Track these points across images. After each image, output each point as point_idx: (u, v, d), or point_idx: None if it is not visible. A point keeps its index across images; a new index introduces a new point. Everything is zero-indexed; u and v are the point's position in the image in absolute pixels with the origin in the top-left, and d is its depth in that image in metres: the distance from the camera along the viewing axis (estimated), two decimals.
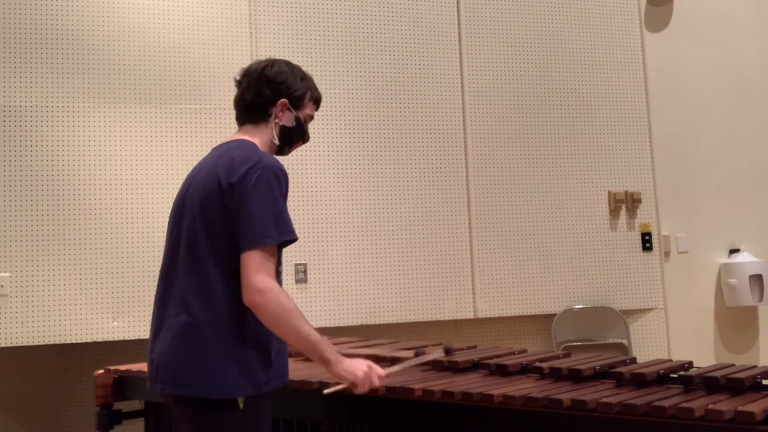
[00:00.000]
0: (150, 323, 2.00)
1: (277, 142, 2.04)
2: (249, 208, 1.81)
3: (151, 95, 3.83)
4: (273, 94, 2.01)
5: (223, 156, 1.91)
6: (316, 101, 2.12)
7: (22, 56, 3.70)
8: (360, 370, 1.88)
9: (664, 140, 4.56)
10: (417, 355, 2.21)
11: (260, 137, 2.01)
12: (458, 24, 4.25)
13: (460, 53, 4.24)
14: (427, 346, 2.46)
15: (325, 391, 1.96)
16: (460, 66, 4.22)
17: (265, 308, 1.78)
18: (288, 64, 2.07)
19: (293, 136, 2.07)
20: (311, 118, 2.11)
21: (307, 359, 2.67)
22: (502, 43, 4.30)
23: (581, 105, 4.35)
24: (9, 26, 3.70)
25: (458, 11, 4.26)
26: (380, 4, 4.15)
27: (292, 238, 1.86)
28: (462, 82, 4.22)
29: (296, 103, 2.05)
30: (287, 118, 2.04)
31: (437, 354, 2.23)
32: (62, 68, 3.74)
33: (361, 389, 1.89)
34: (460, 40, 4.24)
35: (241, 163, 1.86)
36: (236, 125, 2.08)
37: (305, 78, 2.08)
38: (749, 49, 4.82)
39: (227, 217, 1.83)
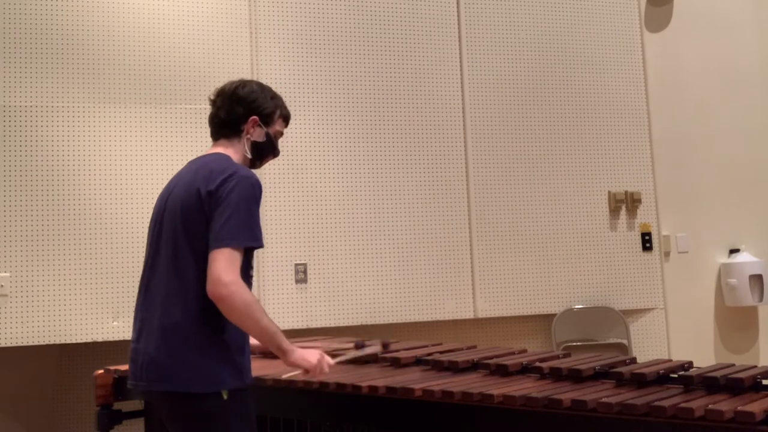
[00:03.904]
0: (132, 326, 2.11)
1: (249, 155, 2.19)
2: (221, 212, 1.95)
3: (151, 95, 3.83)
4: (245, 111, 2.17)
5: (201, 168, 2.06)
6: (285, 118, 2.27)
7: (22, 56, 3.70)
8: (313, 358, 2.05)
9: (664, 140, 4.56)
10: (357, 347, 2.39)
11: (234, 151, 2.16)
12: (458, 24, 4.25)
13: (460, 53, 4.23)
14: (366, 341, 2.55)
15: (283, 376, 2.14)
16: (460, 66, 4.22)
17: (230, 300, 1.89)
18: (258, 84, 2.23)
19: (264, 151, 2.22)
20: (281, 134, 2.26)
21: None
22: (502, 43, 4.30)
23: (581, 105, 4.35)
24: (9, 26, 3.70)
25: (458, 11, 4.26)
26: (380, 4, 4.15)
27: (255, 245, 1.99)
28: (462, 82, 4.22)
29: (266, 120, 2.20)
30: (258, 134, 2.19)
31: (375, 349, 2.40)
32: (62, 68, 3.74)
33: (313, 376, 2.07)
34: (460, 40, 4.24)
35: (219, 173, 2.01)
36: (212, 141, 2.23)
37: (275, 97, 2.24)
38: (749, 49, 4.82)
39: (206, 224, 1.97)
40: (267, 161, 2.26)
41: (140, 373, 2.00)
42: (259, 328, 1.94)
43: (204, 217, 1.98)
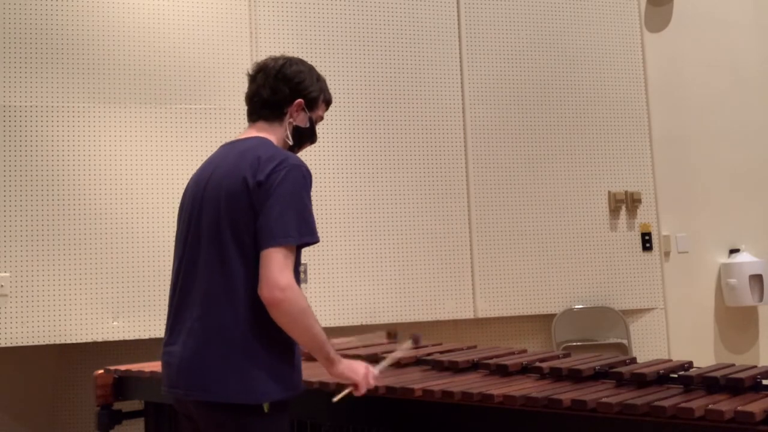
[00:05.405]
0: (165, 325, 1.95)
1: (290, 141, 2.02)
2: (273, 206, 1.79)
3: (151, 95, 3.83)
4: (290, 93, 2.00)
5: (246, 154, 1.88)
6: (328, 103, 2.11)
7: (22, 56, 3.70)
8: (360, 370, 1.93)
9: (664, 140, 4.56)
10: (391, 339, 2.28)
11: (274, 135, 1.99)
12: (458, 24, 4.25)
13: (460, 53, 4.24)
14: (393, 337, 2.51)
15: (335, 399, 1.98)
16: (460, 66, 4.22)
17: (286, 305, 1.76)
18: (304, 63, 2.07)
19: (304, 137, 2.06)
20: (321, 119, 2.10)
21: (307, 359, 2.67)
22: (502, 43, 4.30)
23: (581, 105, 4.35)
24: (9, 26, 3.70)
25: (458, 11, 4.26)
26: (380, 4, 4.15)
27: (312, 240, 1.83)
28: (462, 82, 4.22)
29: (311, 104, 2.04)
30: (301, 119, 2.03)
31: (406, 346, 2.31)
32: (62, 68, 3.74)
33: (362, 389, 1.93)
34: (460, 40, 4.24)
35: (268, 161, 1.83)
36: (243, 122, 2.07)
37: (320, 79, 2.08)
38: (749, 49, 4.82)
39: (254, 217, 1.80)
40: (304, 148, 2.09)
41: (176, 378, 1.85)
42: (309, 336, 1.81)
43: (251, 210, 1.80)
